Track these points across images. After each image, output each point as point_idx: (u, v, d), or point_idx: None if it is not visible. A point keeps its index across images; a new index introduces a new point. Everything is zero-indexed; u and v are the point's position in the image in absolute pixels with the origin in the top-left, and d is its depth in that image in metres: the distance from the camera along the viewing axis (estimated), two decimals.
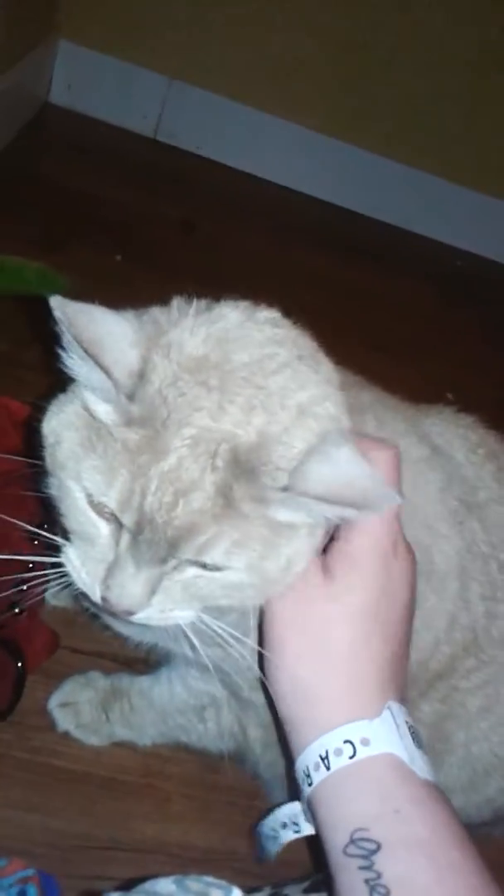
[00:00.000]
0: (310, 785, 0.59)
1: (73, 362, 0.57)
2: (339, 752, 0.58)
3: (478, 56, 2.08)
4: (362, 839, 0.55)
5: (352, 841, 0.55)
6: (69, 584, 0.64)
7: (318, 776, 0.58)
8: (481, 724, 0.80)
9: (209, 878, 0.57)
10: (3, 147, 1.83)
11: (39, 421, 0.63)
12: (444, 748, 0.81)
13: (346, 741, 0.58)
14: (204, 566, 0.58)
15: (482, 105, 2.14)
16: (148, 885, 0.57)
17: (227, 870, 0.88)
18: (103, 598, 0.59)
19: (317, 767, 0.58)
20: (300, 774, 0.60)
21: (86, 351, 0.54)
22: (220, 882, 0.56)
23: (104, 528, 0.59)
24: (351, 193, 2.27)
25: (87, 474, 0.57)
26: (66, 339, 0.55)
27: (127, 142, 2.16)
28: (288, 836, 0.63)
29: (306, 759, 0.59)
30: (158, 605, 0.59)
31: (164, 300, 0.64)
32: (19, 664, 0.89)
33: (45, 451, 0.62)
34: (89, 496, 0.58)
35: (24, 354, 1.34)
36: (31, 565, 0.98)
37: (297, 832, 0.63)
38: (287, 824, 0.63)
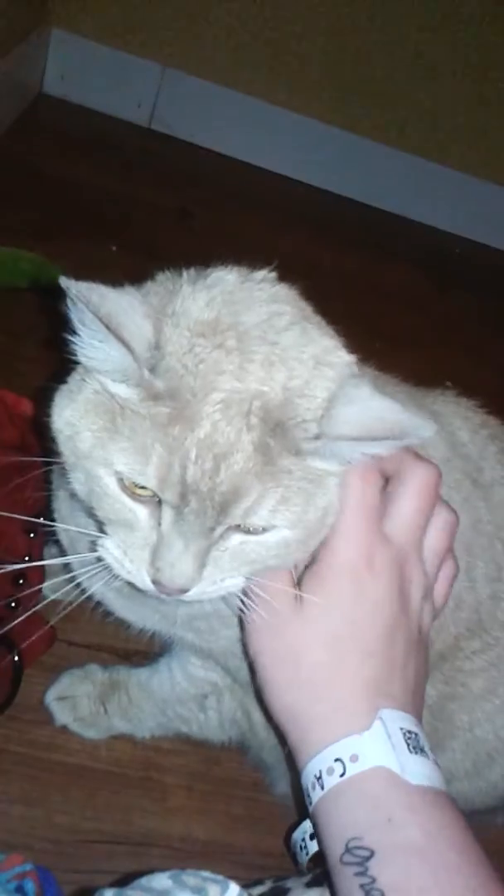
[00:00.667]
0: (310, 803, 0.61)
1: (89, 344, 0.55)
2: (331, 772, 0.60)
3: (475, 42, 2.07)
4: (356, 847, 0.57)
5: (347, 850, 0.57)
6: (112, 577, 0.63)
7: (315, 795, 0.60)
8: (485, 707, 0.80)
9: (206, 873, 0.56)
10: None
11: (48, 416, 0.61)
12: (446, 731, 0.81)
13: (336, 759, 0.60)
14: (248, 531, 0.58)
15: (480, 90, 2.13)
16: (144, 881, 0.57)
17: (227, 862, 0.88)
18: (154, 581, 0.58)
19: (314, 787, 0.60)
20: (305, 796, 0.62)
21: (107, 326, 0.53)
22: (217, 877, 0.56)
23: (141, 512, 0.58)
24: (348, 181, 2.26)
25: (119, 458, 0.56)
26: (86, 317, 0.54)
27: (121, 131, 2.14)
28: (315, 847, 0.65)
29: (305, 780, 0.62)
30: (209, 578, 0.59)
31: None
32: (16, 658, 0.89)
33: (60, 445, 0.60)
34: (121, 481, 0.57)
35: (20, 346, 1.34)
36: (27, 558, 0.98)
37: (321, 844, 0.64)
38: (314, 835, 0.65)
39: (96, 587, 0.73)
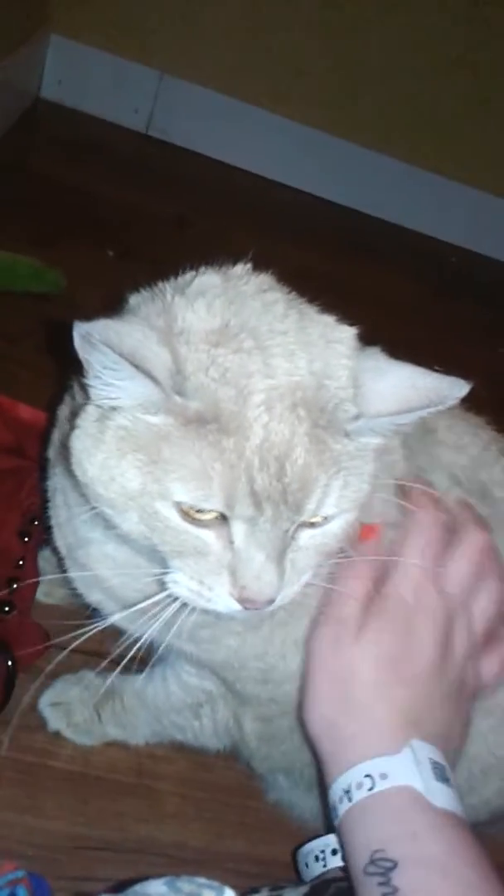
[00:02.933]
0: (337, 816, 0.64)
1: (112, 384, 0.54)
2: (360, 786, 0.63)
3: (474, 53, 2.08)
4: (380, 858, 0.60)
5: (371, 861, 0.60)
6: (188, 612, 0.61)
7: (343, 808, 0.64)
8: (480, 725, 0.80)
9: (201, 879, 0.56)
10: None
11: (72, 466, 0.59)
12: None
13: (366, 775, 0.63)
14: (313, 525, 0.58)
15: (478, 100, 2.14)
16: (139, 888, 0.57)
17: (221, 870, 0.88)
18: (241, 600, 0.57)
19: (341, 800, 0.64)
20: (330, 806, 0.65)
21: (132, 364, 0.52)
22: (212, 883, 0.56)
23: (208, 535, 0.56)
24: (344, 189, 2.27)
25: (177, 487, 0.54)
26: (108, 358, 0.52)
27: (119, 137, 2.15)
28: (336, 862, 0.68)
29: (334, 794, 0.65)
30: (290, 581, 0.59)
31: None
32: (9, 662, 0.89)
33: (100, 490, 0.57)
34: (181, 511, 0.55)
35: (16, 350, 1.33)
36: (21, 562, 0.98)
37: (344, 860, 0.66)
38: (337, 850, 0.68)
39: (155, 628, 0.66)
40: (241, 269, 0.63)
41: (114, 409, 0.56)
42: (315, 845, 0.70)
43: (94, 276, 1.51)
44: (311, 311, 0.61)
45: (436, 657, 0.68)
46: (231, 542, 0.56)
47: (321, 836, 0.71)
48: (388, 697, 0.66)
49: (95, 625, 0.67)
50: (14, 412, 1.10)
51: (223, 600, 0.58)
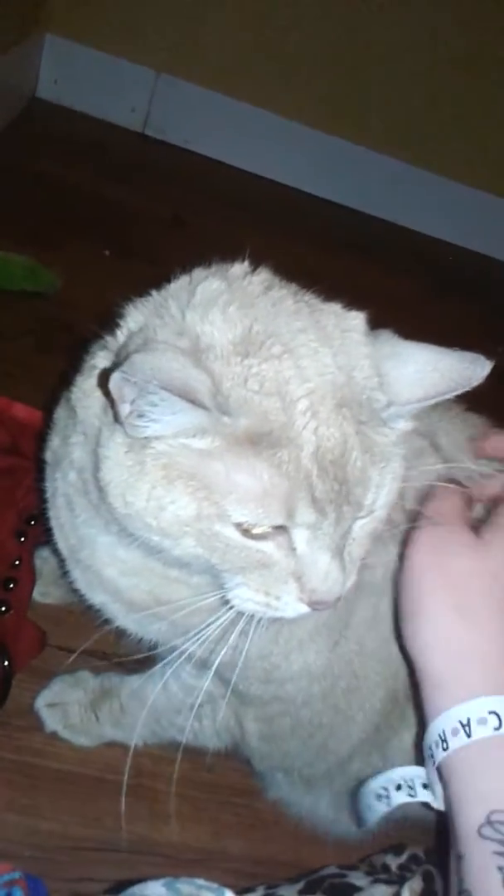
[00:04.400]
0: (445, 749, 0.56)
1: (160, 419, 0.53)
2: (482, 722, 0.55)
3: (473, 53, 2.07)
4: (501, 822, 0.53)
5: (488, 822, 0.53)
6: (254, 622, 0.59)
7: (456, 742, 0.56)
8: None
9: (200, 881, 0.56)
10: None
11: (112, 502, 0.57)
12: None
13: (491, 712, 0.55)
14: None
15: (477, 100, 2.13)
16: (137, 889, 0.57)
17: (219, 870, 0.88)
18: (313, 603, 0.56)
19: (455, 733, 0.56)
20: (432, 737, 0.58)
21: (187, 399, 0.50)
22: (212, 885, 0.56)
23: (269, 546, 0.55)
24: (342, 188, 2.26)
25: (236, 509, 0.53)
26: (157, 396, 0.51)
27: (115, 136, 2.14)
28: (401, 798, 0.61)
29: (444, 722, 0.57)
30: (349, 573, 0.58)
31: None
32: (5, 663, 0.88)
33: (151, 521, 0.55)
34: (241, 528, 0.54)
35: (11, 350, 1.33)
36: (17, 562, 0.97)
37: (411, 796, 0.60)
38: (402, 786, 0.61)
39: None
40: (239, 268, 0.62)
41: (158, 438, 0.54)
42: (377, 783, 0.63)
43: (90, 275, 1.51)
44: (316, 302, 0.61)
45: None
46: (293, 549, 0.56)
47: (381, 772, 0.64)
48: None
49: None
50: (9, 411, 1.10)
51: (292, 606, 0.57)
